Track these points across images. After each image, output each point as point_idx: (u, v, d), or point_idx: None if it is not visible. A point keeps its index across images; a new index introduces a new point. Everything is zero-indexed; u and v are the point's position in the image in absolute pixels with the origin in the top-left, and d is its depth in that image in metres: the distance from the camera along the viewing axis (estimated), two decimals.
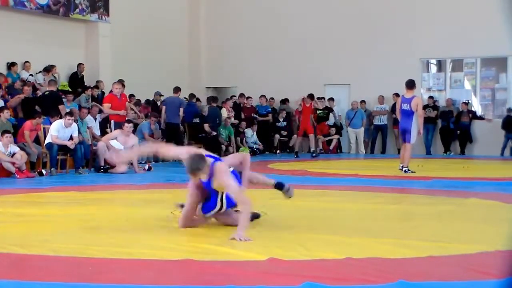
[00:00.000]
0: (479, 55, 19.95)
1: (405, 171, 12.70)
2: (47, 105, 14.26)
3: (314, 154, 18.30)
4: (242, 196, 6.05)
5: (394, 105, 20.30)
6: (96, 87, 17.38)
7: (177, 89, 17.71)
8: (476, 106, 20.25)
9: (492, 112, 20.04)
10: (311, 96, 18.62)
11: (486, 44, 19.23)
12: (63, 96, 15.40)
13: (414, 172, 12.66)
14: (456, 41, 19.63)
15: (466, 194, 9.49)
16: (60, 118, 13.48)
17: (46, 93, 14.76)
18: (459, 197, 9.26)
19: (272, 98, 21.38)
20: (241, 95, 20.86)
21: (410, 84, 12.84)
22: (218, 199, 6.22)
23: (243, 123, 19.86)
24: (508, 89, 19.45)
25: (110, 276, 4.55)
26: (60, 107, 14.50)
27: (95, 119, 15.28)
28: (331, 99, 21.23)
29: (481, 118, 19.73)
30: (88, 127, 14.86)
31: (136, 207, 8.15)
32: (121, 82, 15.53)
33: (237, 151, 19.09)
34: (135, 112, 17.19)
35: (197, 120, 18.00)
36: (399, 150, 20.30)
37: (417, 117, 12.65)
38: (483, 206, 8.39)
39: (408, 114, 12.59)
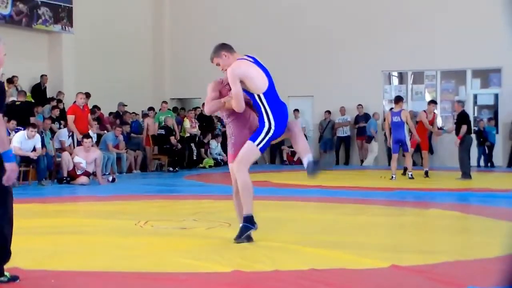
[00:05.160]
0: (439, 67, 20.29)
1: (411, 176, 14.20)
2: (20, 115, 14.11)
3: (426, 175, 14.80)
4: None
5: (357, 117, 20.62)
6: (59, 100, 17.16)
7: None
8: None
9: (452, 124, 20.32)
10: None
11: (446, 57, 19.59)
12: None
13: (414, 178, 14.06)
14: (417, 53, 19.93)
15: (427, 205, 9.64)
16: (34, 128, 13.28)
17: (18, 103, 14.58)
18: (420, 208, 9.41)
19: None
20: (204, 104, 20.83)
21: (397, 99, 14.61)
22: (265, 119, 6.01)
23: (209, 135, 19.86)
24: (467, 101, 19.78)
25: None
26: (32, 119, 14.36)
27: (69, 136, 14.98)
28: (296, 110, 21.36)
29: (440, 129, 19.98)
30: (60, 141, 14.77)
31: (100, 219, 8.11)
32: (85, 93, 15.43)
33: (201, 163, 19.15)
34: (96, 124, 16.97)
35: (162, 131, 17.97)
36: (362, 161, 20.63)
37: (407, 128, 14.16)
38: (444, 217, 8.53)
39: (400, 125, 14.03)
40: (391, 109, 15.96)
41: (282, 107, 6.06)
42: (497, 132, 19.64)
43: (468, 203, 10.50)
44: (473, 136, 17.91)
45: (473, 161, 18.26)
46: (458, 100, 17.00)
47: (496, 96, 20.06)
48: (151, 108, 18.55)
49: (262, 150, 6.08)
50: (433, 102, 15.76)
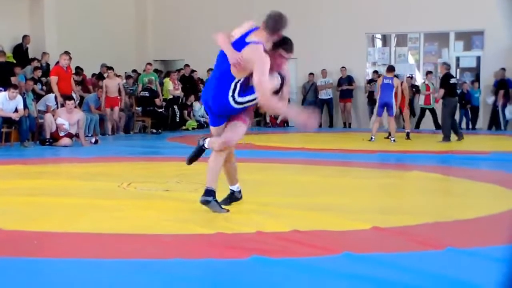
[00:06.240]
0: (422, 30, 20.29)
1: (393, 140, 14.15)
2: (0, 75, 14.01)
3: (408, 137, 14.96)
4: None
5: (340, 79, 20.62)
6: (39, 67, 16.85)
7: None
8: (419, 81, 20.60)
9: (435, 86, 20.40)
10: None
11: (429, 19, 19.57)
12: None
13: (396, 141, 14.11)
14: (401, 16, 19.90)
15: (408, 167, 9.72)
16: (15, 88, 13.19)
17: None
18: (402, 170, 9.49)
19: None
20: (186, 65, 20.67)
21: (390, 68, 14.69)
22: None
23: (192, 97, 19.76)
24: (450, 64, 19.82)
25: (55, 250, 4.56)
26: (13, 78, 14.25)
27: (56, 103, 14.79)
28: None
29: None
30: (47, 105, 14.65)
31: (83, 180, 8.09)
32: (68, 54, 15.27)
33: (184, 124, 19.13)
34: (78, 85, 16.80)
35: (146, 93, 17.87)
36: (344, 124, 20.70)
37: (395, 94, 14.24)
38: (425, 179, 8.62)
39: (390, 88, 14.09)
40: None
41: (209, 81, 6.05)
42: None
43: (449, 165, 10.59)
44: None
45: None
46: (444, 62, 16.95)
47: (479, 58, 20.12)
48: (110, 68, 18.04)
49: (211, 122, 6.14)
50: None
